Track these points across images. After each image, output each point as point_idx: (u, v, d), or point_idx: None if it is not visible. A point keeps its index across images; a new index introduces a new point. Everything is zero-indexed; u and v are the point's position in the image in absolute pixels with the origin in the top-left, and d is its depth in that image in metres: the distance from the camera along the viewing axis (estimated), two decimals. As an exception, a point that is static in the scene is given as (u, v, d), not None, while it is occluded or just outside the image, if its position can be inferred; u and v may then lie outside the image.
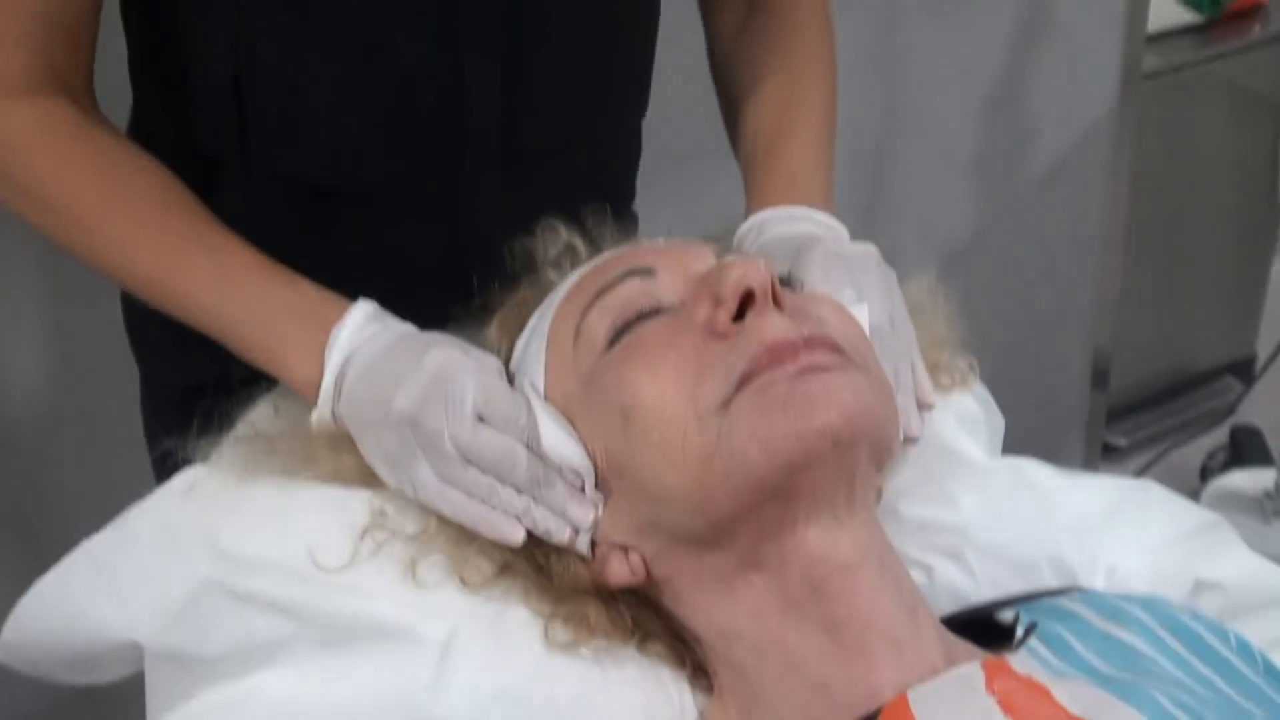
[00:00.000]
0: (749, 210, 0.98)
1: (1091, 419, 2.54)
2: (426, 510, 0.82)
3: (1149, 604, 0.80)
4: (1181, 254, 2.54)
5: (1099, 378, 2.48)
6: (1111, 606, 0.79)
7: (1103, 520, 0.92)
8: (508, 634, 0.79)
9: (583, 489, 0.78)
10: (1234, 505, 2.35)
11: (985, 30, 2.01)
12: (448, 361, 0.78)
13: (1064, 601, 0.80)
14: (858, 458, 0.72)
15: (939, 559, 0.88)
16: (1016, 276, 2.27)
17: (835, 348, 0.73)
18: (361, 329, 0.83)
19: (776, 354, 0.71)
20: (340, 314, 0.84)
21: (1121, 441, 2.62)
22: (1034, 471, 0.95)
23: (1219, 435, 2.58)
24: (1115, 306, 2.40)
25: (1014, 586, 0.86)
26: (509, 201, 1.01)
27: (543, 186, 1.02)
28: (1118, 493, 0.95)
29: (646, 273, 0.80)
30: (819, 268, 0.86)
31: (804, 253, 0.88)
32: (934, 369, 0.97)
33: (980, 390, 1.04)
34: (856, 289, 0.84)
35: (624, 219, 1.12)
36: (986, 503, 0.91)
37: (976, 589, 0.87)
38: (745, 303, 0.73)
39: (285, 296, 0.87)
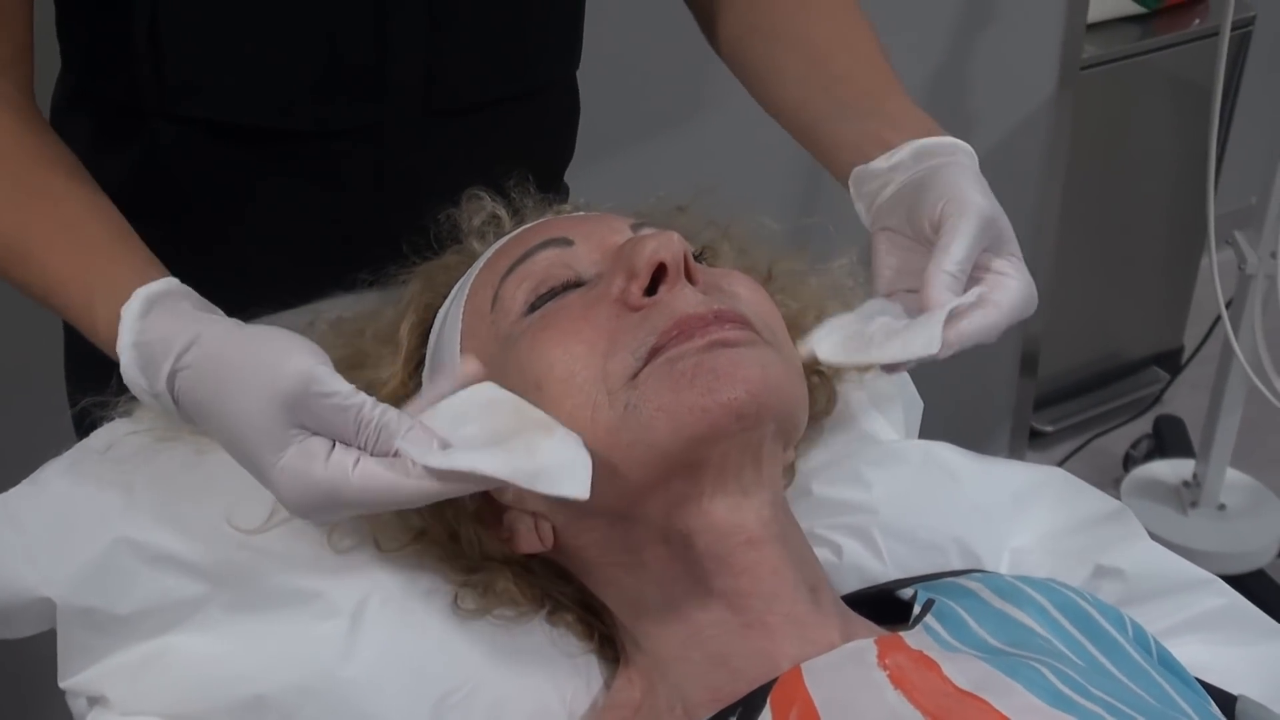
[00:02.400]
0: (887, 142, 0.86)
1: (1019, 405, 2.57)
2: None
3: (1046, 586, 0.82)
4: (1114, 245, 2.58)
5: (1028, 364, 2.51)
6: (1009, 587, 0.81)
7: (1009, 505, 0.95)
8: (418, 601, 0.80)
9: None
10: (1154, 494, 2.40)
11: (923, 17, 2.02)
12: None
13: (963, 581, 0.83)
14: (764, 434, 0.74)
15: (848, 538, 0.91)
16: (950, 262, 2.29)
17: (745, 323, 0.75)
18: (137, 321, 0.75)
19: (685, 327, 0.73)
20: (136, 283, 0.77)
21: (1048, 428, 2.67)
22: (945, 455, 0.97)
23: (1143, 425, 2.63)
24: (1047, 295, 2.41)
25: (920, 567, 0.89)
26: (437, 157, 1.02)
27: (474, 143, 1.03)
28: (1026, 479, 0.97)
29: (564, 243, 0.82)
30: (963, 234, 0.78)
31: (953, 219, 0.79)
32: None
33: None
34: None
35: (554, 188, 1.14)
36: (897, 484, 0.94)
37: (884, 569, 0.89)
38: (658, 276, 0.75)
39: (96, 234, 0.82)
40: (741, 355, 0.73)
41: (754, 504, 0.76)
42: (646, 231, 0.80)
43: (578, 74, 1.15)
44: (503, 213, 0.93)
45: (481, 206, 0.93)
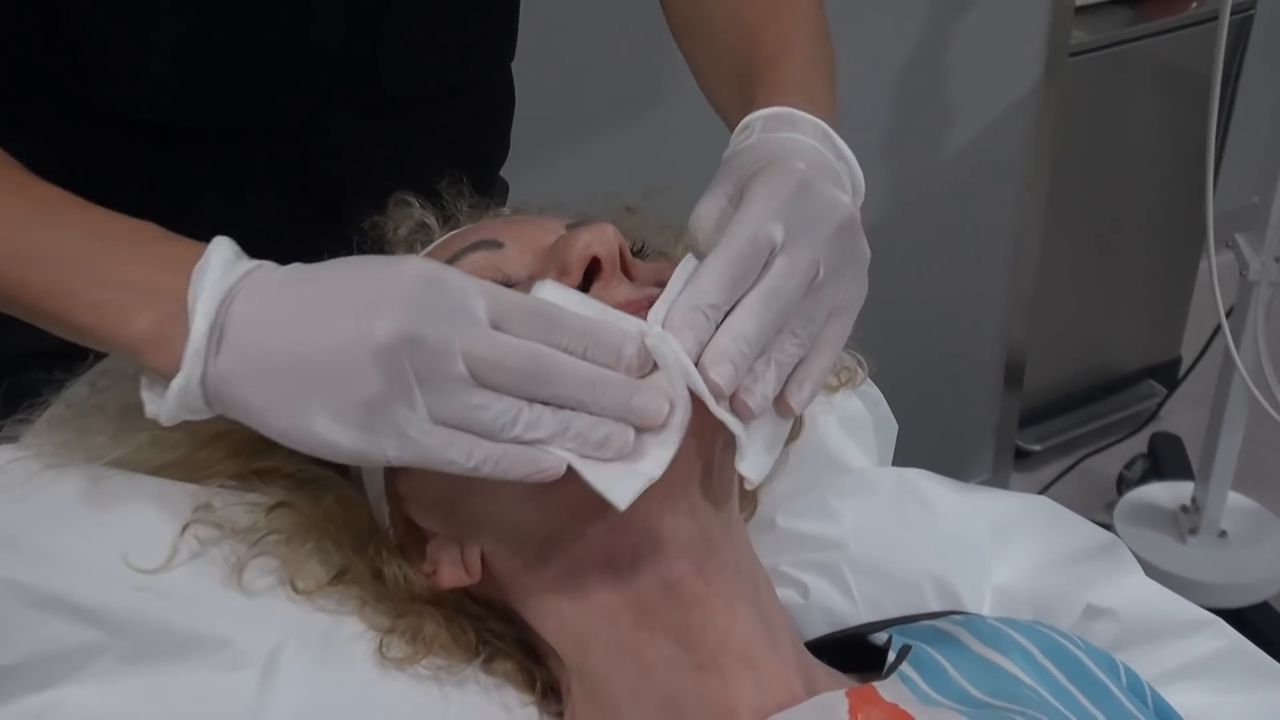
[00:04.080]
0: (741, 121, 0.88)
1: (1003, 422, 2.60)
2: (258, 505, 0.83)
3: (1032, 630, 0.83)
4: (1104, 246, 2.61)
5: (1012, 377, 2.54)
6: (992, 631, 0.82)
7: (991, 538, 0.96)
8: (339, 649, 0.79)
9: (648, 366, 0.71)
10: (1149, 519, 2.42)
11: (903, 1, 2.04)
12: (434, 268, 0.69)
13: (942, 624, 0.83)
14: (714, 445, 0.75)
15: (815, 577, 0.91)
16: (926, 267, 2.31)
17: None
18: (233, 265, 0.73)
19: None
20: (196, 252, 0.74)
21: (1034, 446, 2.70)
22: (921, 483, 0.98)
23: (1138, 443, 2.67)
24: (1032, 301, 2.47)
25: (894, 607, 0.90)
26: (358, 158, 1.02)
27: (399, 142, 1.03)
28: (1009, 508, 0.98)
29: (493, 245, 0.83)
30: (760, 197, 0.75)
31: (756, 176, 0.77)
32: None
33: (870, 391, 1.07)
34: (787, 228, 0.74)
35: (491, 187, 1.13)
36: (869, 516, 0.94)
37: (855, 611, 0.90)
38: (592, 273, 0.75)
39: (120, 234, 0.79)
40: None
41: (704, 526, 0.76)
42: (579, 227, 0.80)
43: (514, 60, 1.16)
44: (432, 220, 0.93)
45: (409, 214, 0.93)
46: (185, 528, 0.81)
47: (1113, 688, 0.80)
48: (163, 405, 0.72)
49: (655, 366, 0.70)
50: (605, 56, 1.75)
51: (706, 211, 0.77)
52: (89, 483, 0.84)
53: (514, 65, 1.17)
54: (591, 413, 0.69)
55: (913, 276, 2.28)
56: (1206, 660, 0.90)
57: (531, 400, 0.68)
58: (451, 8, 1.02)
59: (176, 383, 0.71)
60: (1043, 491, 2.50)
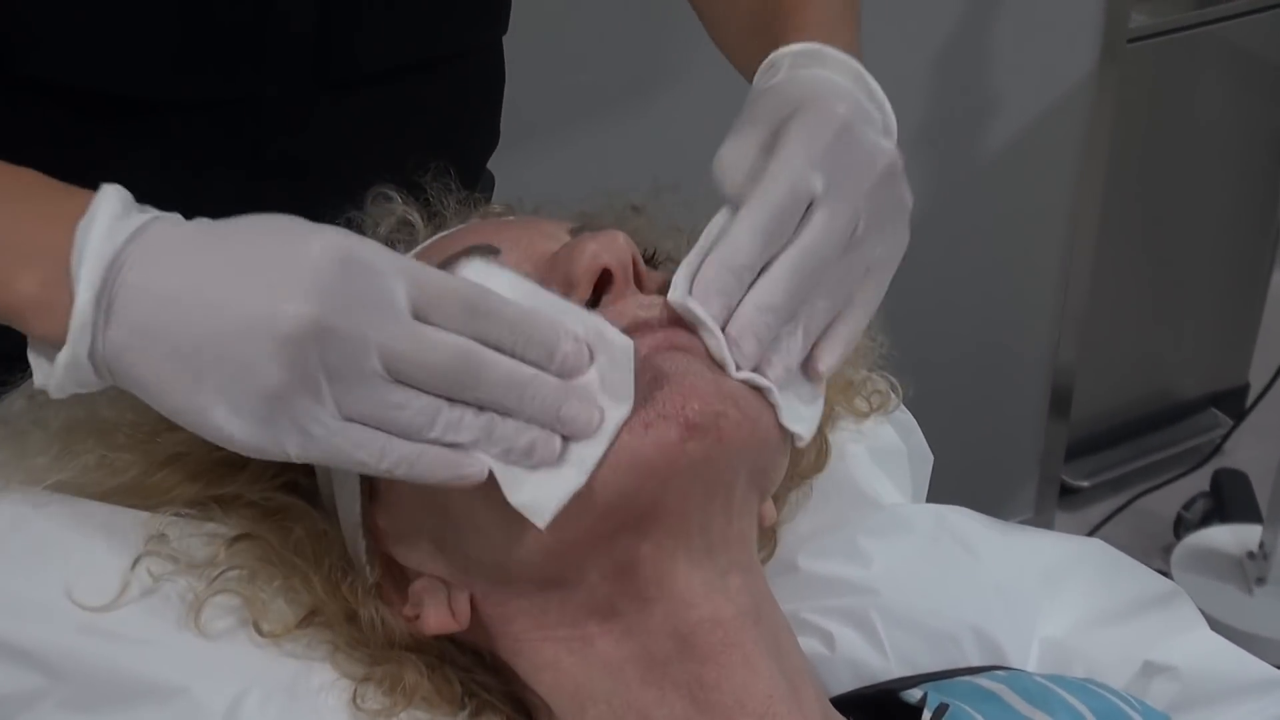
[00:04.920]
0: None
1: (1048, 454, 2.61)
2: (218, 536, 0.83)
3: (1084, 689, 0.84)
4: (1165, 256, 2.62)
5: (1059, 404, 2.54)
6: (1039, 690, 0.83)
7: (1039, 586, 0.97)
8: (308, 700, 0.80)
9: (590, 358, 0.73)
10: (1211, 567, 2.43)
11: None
12: (348, 244, 0.70)
13: (983, 681, 0.84)
14: (729, 469, 0.75)
15: (842, 625, 0.92)
16: (964, 277, 2.33)
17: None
18: (121, 220, 0.72)
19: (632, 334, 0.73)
20: (82, 204, 0.73)
21: (1083, 483, 2.71)
22: (961, 523, 0.99)
23: (1199, 480, 2.67)
24: (1082, 318, 2.47)
25: (929, 661, 0.90)
26: (330, 140, 1.03)
27: (375, 122, 1.05)
28: (1059, 553, 0.99)
29: (489, 252, 0.83)
30: (798, 142, 0.78)
31: (792, 119, 0.80)
32: (847, 390, 1.01)
33: (904, 418, 1.08)
34: (827, 178, 0.77)
35: (476, 180, 1.14)
36: (902, 559, 0.95)
37: (885, 665, 0.91)
38: (602, 286, 0.77)
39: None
40: (696, 364, 0.74)
41: (720, 568, 0.77)
42: (587, 234, 0.81)
43: (504, 39, 1.17)
44: (416, 218, 0.94)
45: (390, 210, 0.94)
46: (136, 561, 0.82)
47: (1171, 753, 0.82)
48: (51, 378, 0.73)
49: (593, 359, 0.72)
50: (607, 30, 1.76)
51: (734, 157, 0.79)
52: (28, 509, 0.85)
53: (504, 41, 1.18)
54: (518, 418, 0.71)
55: (949, 287, 2.29)
56: (1278, 724, 0.91)
57: (453, 401, 0.70)
58: None
59: (62, 357, 0.71)
60: (1091, 533, 2.51)
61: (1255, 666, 0.95)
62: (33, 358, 0.74)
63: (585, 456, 0.71)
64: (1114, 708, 0.83)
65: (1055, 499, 2.65)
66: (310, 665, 0.82)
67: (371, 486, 0.83)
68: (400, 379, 0.69)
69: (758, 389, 0.75)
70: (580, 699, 0.79)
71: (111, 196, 0.73)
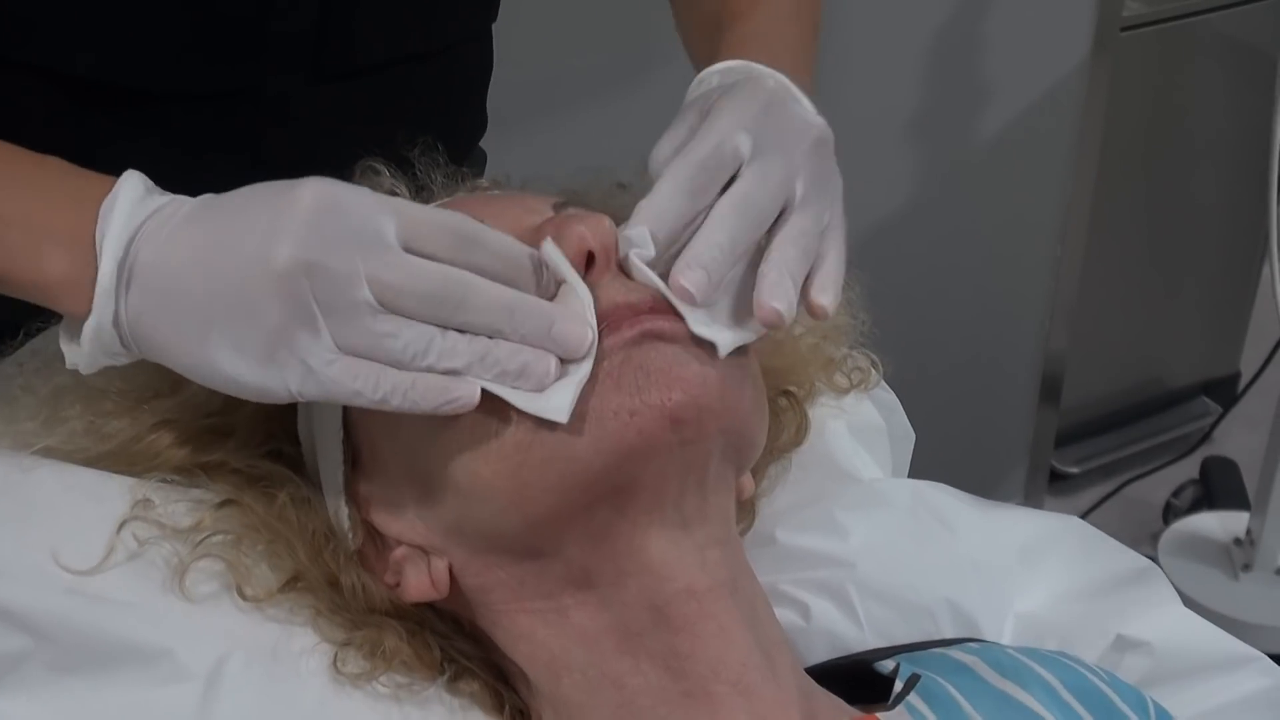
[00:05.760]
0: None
1: (1038, 439, 2.62)
2: (203, 502, 0.85)
3: (1056, 662, 0.85)
4: (1156, 245, 2.63)
5: (1049, 390, 2.55)
6: (1011, 662, 0.84)
7: (1015, 561, 0.97)
8: (290, 663, 0.81)
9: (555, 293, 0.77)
10: (1198, 552, 2.44)
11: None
12: (335, 189, 0.74)
13: (956, 653, 0.85)
14: (708, 450, 0.77)
15: (818, 597, 0.93)
16: (955, 263, 2.33)
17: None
18: (142, 201, 0.78)
19: (613, 320, 0.75)
20: (104, 188, 0.79)
21: (1073, 469, 2.72)
22: (939, 498, 1.00)
23: (1188, 467, 2.69)
24: (1073, 305, 2.48)
25: (904, 634, 0.91)
26: (327, 119, 1.05)
27: (370, 109, 1.06)
28: (1036, 529, 1.00)
29: None
30: (726, 111, 0.81)
31: (720, 98, 0.83)
32: (828, 366, 1.02)
33: (885, 396, 1.09)
34: (755, 141, 0.80)
35: (469, 156, 1.15)
36: (879, 532, 0.96)
37: (860, 636, 0.91)
38: (586, 266, 0.77)
39: (24, 171, 0.83)
40: (680, 352, 0.75)
41: (696, 541, 0.78)
42: (571, 212, 0.82)
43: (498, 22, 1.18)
44: (402, 190, 0.95)
45: (379, 183, 0.95)
46: (122, 525, 0.83)
47: (1142, 726, 0.82)
48: (80, 354, 0.78)
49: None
50: (595, 13, 1.77)
51: (666, 150, 0.82)
52: (17, 473, 0.86)
53: (499, 23, 1.19)
54: (509, 340, 0.74)
55: (940, 274, 2.30)
56: (1248, 700, 0.91)
57: (445, 328, 0.73)
58: None
59: (89, 325, 0.76)
60: (1081, 519, 2.51)
61: (1226, 643, 0.95)
62: (63, 341, 0.79)
63: (581, 371, 0.74)
64: (1085, 681, 0.84)
65: (1045, 485, 2.66)
66: (292, 629, 0.83)
67: (355, 454, 0.84)
68: (391, 309, 0.72)
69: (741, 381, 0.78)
70: (555, 669, 0.80)
71: (133, 180, 0.78)
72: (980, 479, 2.57)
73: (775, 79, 0.87)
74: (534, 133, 1.59)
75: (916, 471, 1.11)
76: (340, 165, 0.95)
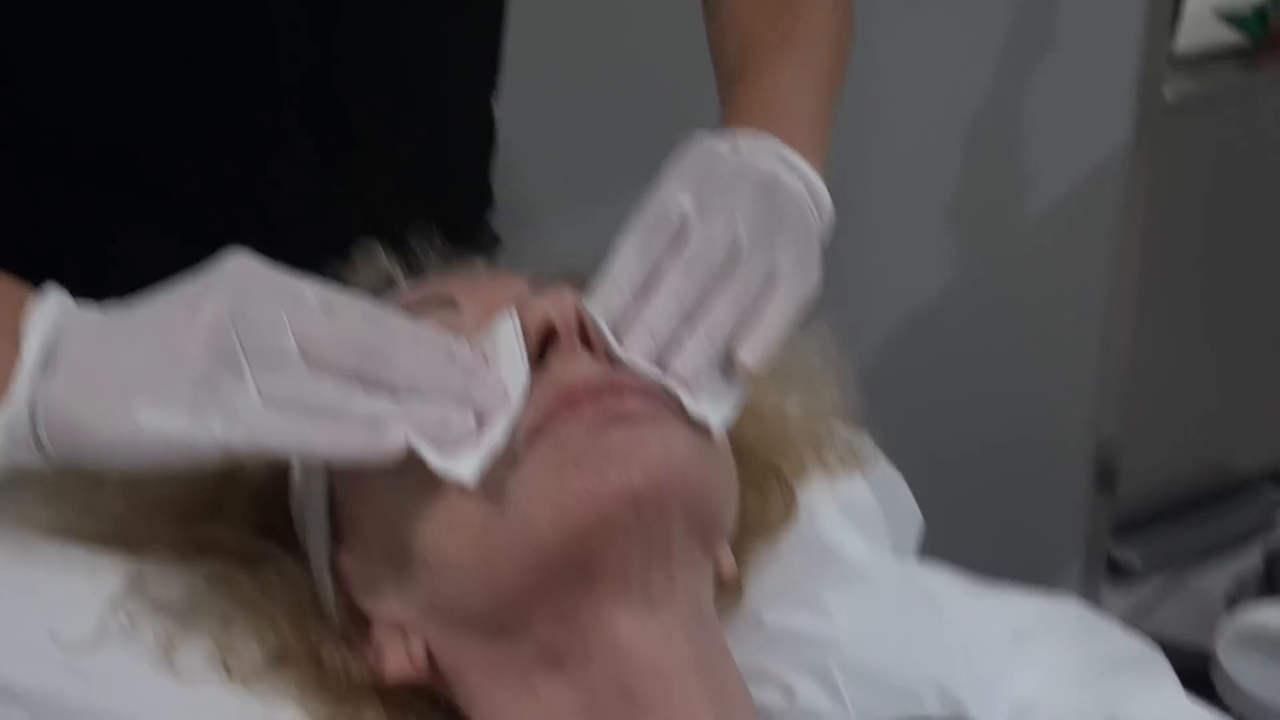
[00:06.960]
0: None
1: (1094, 530, 2.60)
2: (193, 579, 0.88)
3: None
4: (1210, 325, 2.62)
5: (1103, 478, 2.54)
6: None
7: (1009, 644, 0.98)
8: (275, 740, 0.84)
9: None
10: (1262, 646, 2.40)
11: (973, 45, 2.08)
12: (257, 261, 0.78)
13: (940, 733, 0.86)
14: (670, 530, 0.78)
15: (802, 678, 0.93)
16: (1000, 347, 2.33)
17: (649, 393, 0.80)
18: (65, 302, 0.80)
19: (573, 400, 0.78)
20: (30, 292, 0.81)
21: (1133, 559, 2.70)
22: (932, 579, 1.01)
23: (1253, 557, 2.66)
24: (1125, 389, 2.47)
25: (889, 715, 0.91)
26: (327, 191, 1.10)
27: (370, 175, 1.11)
28: (1031, 611, 1.01)
29: (448, 304, 0.88)
30: (665, 175, 0.87)
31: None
32: (818, 443, 1.05)
33: (889, 477, 1.11)
34: (695, 196, 0.85)
35: (467, 235, 1.19)
36: (867, 613, 0.97)
37: (845, 717, 0.92)
38: (548, 342, 0.80)
39: None
40: (641, 434, 0.77)
41: (663, 621, 0.79)
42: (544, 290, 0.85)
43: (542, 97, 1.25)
44: (398, 274, 0.99)
45: (372, 265, 0.99)
46: (116, 603, 0.87)
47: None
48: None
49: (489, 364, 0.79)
50: (629, 101, 1.81)
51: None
52: (16, 549, 0.89)
53: (541, 100, 1.24)
54: (431, 397, 0.76)
55: (985, 357, 2.30)
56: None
57: (369, 381, 0.75)
58: (429, 31, 1.10)
59: (3, 414, 0.76)
60: (1146, 614, 2.50)
61: (1221, 728, 0.96)
62: None
63: (499, 425, 0.77)
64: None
65: (1103, 576, 2.64)
66: (278, 706, 0.85)
67: (339, 529, 0.87)
68: (315, 364, 0.74)
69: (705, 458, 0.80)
70: None
71: (57, 290, 0.80)
72: (1036, 571, 2.55)
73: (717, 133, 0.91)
74: (576, 223, 1.62)
75: (971, 564, 1.09)
76: (335, 238, 1.00)
